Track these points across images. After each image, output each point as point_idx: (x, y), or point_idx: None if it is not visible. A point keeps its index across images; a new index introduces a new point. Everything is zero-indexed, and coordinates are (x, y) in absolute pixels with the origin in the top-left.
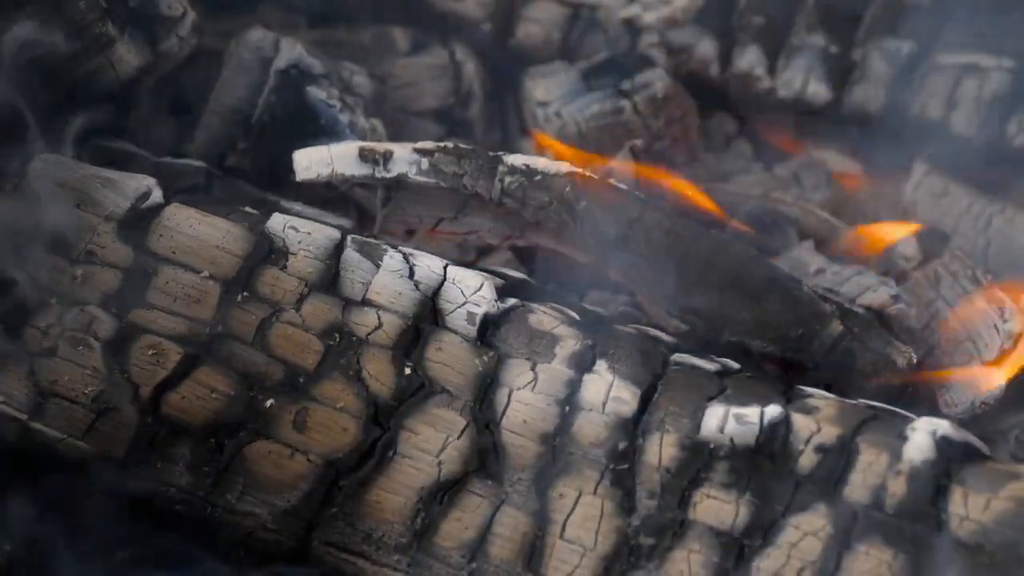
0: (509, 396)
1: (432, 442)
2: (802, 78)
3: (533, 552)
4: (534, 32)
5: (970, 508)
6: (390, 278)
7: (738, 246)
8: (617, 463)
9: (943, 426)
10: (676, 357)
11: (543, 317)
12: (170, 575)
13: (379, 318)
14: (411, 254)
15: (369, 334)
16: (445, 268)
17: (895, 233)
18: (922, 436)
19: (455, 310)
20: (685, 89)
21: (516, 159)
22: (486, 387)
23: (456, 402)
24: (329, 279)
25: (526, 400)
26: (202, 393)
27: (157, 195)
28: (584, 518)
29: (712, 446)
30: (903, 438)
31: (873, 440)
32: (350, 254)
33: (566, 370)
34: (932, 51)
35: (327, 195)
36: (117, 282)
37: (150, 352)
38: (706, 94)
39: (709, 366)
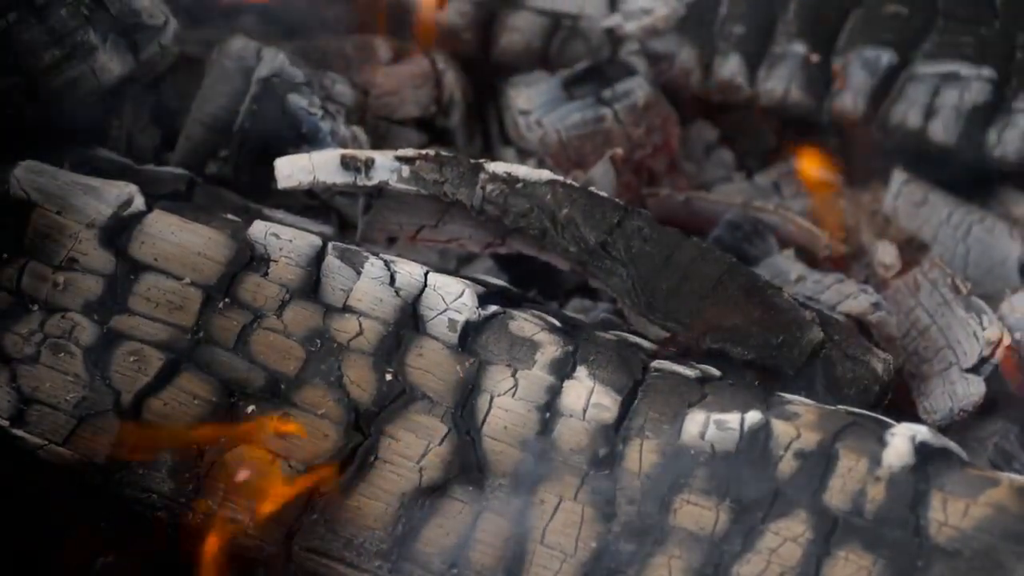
0: (490, 402)
1: (413, 448)
2: (783, 87)
3: (514, 558)
4: (515, 41)
5: (949, 514)
6: (371, 285)
7: (719, 253)
8: (598, 469)
9: (922, 432)
10: (656, 364)
11: (524, 324)
12: None
13: (360, 324)
14: (392, 261)
15: (350, 340)
16: (426, 275)
17: None
18: (901, 442)
19: (436, 317)
20: (666, 98)
21: (497, 167)
22: (467, 393)
23: (437, 408)
24: (310, 286)
25: (507, 406)
26: (184, 399)
27: (139, 202)
28: (564, 524)
29: (693, 452)
30: (882, 444)
31: (853, 446)
32: (331, 261)
33: (547, 376)
34: (912, 60)
35: (309, 203)
36: (99, 289)
37: (132, 358)
38: (687, 103)
39: (689, 373)
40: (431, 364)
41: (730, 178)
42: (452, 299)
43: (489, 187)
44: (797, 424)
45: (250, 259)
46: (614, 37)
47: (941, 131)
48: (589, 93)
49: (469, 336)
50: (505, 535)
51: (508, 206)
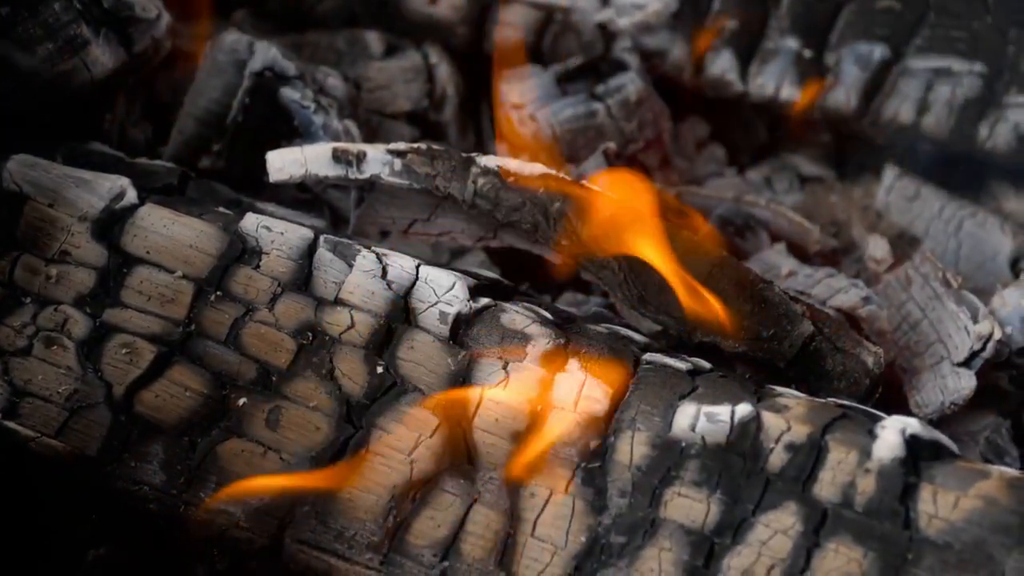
0: (481, 395)
1: (404, 440)
2: (775, 82)
3: (505, 550)
4: (508, 36)
5: (939, 506)
6: (363, 278)
7: (710, 247)
8: (589, 461)
9: (912, 424)
10: (648, 356)
11: (515, 316)
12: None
13: (352, 317)
14: (384, 254)
15: (342, 333)
16: (417, 268)
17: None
18: (892, 434)
19: (427, 309)
20: (658, 93)
21: (489, 161)
22: (458, 386)
23: (428, 401)
24: (302, 279)
25: (498, 399)
26: (175, 392)
27: (132, 195)
28: (555, 516)
29: (683, 444)
30: (873, 436)
31: (843, 438)
32: (323, 254)
33: (538, 369)
34: (904, 55)
35: (301, 196)
36: (91, 282)
37: (124, 351)
38: (679, 98)
39: (681, 365)
40: (422, 357)
41: (722, 173)
42: (443, 292)
43: (481, 181)
44: (787, 417)
45: (242, 252)
46: (606, 32)
47: (934, 125)
48: (582, 88)
49: (460, 329)
50: (496, 527)
51: (500, 200)
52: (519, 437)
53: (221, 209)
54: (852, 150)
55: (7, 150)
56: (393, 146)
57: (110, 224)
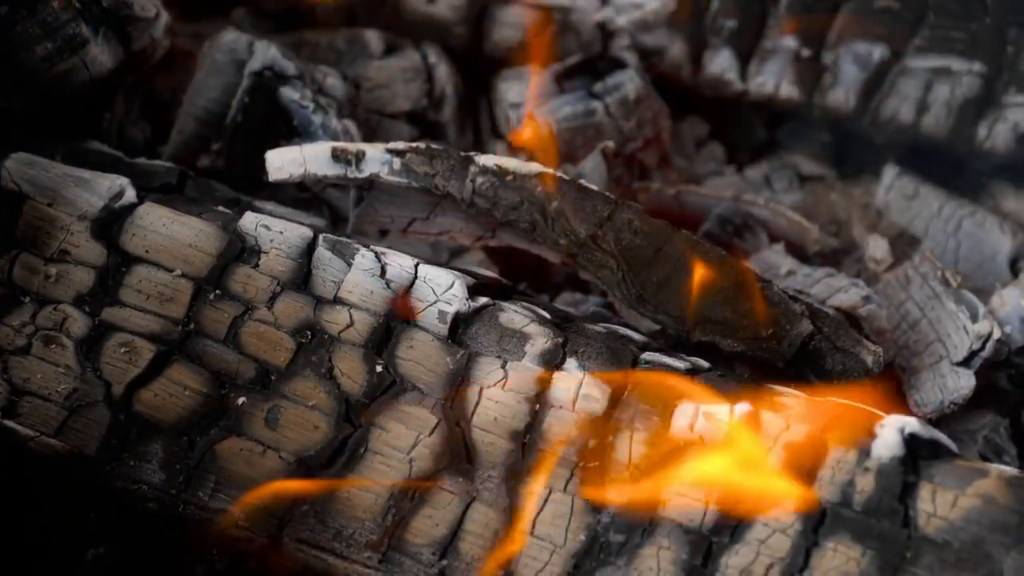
0: (480, 394)
1: (403, 439)
2: (774, 81)
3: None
4: (507, 35)
5: (938, 505)
6: (362, 276)
7: (709, 246)
8: (587, 460)
9: (911, 424)
10: (646, 356)
11: (514, 316)
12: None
13: (351, 316)
14: (383, 253)
15: (341, 332)
16: (416, 267)
17: None
18: (891, 433)
19: (426, 308)
20: (657, 92)
21: (487, 160)
22: (457, 385)
23: (427, 400)
24: (301, 277)
25: (496, 398)
26: (174, 391)
27: (131, 194)
28: (554, 515)
29: (682, 444)
30: (872, 435)
31: (842, 437)
32: (322, 252)
33: (536, 368)
34: (903, 55)
35: (300, 195)
36: (90, 281)
37: (123, 350)
38: (678, 97)
39: (679, 364)
40: (421, 356)
41: (721, 172)
42: (442, 291)
43: (479, 180)
44: (787, 416)
45: (241, 251)
46: (605, 31)
47: (933, 125)
48: (580, 87)
49: (459, 328)
50: (495, 526)
51: (498, 199)
52: (518, 436)
53: (220, 208)
54: (852, 150)
55: (7, 149)
56: (392, 145)
57: (109, 223)
